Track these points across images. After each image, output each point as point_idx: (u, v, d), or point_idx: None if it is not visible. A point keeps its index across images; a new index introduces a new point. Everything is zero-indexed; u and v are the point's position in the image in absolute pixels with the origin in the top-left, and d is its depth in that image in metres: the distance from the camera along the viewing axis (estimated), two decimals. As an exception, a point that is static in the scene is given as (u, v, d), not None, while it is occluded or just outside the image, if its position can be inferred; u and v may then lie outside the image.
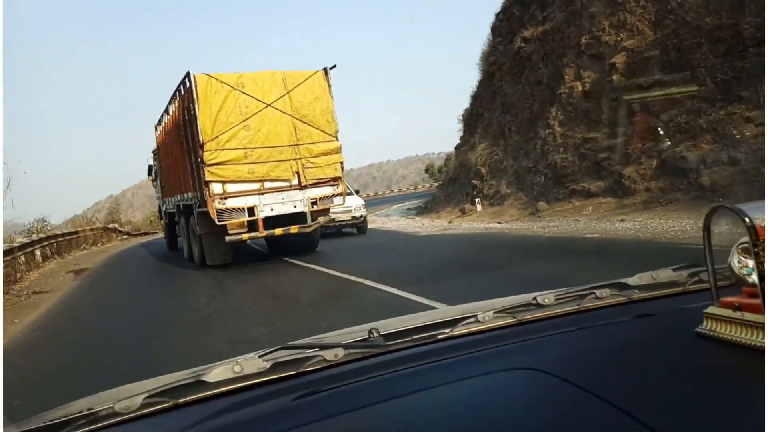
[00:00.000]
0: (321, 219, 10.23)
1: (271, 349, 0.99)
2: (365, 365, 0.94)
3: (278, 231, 9.74)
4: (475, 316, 1.07)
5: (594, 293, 1.10)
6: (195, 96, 9.07)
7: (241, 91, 9.37)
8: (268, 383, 0.92)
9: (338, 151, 10.10)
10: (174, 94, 10.66)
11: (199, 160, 9.19)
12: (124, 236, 25.88)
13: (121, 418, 0.88)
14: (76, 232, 20.70)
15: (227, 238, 9.45)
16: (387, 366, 0.91)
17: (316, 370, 0.95)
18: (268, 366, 0.94)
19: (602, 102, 13.29)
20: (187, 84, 9.31)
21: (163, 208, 15.36)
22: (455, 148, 22.44)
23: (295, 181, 9.70)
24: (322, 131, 9.92)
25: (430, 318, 1.13)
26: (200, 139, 9.08)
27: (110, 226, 25.76)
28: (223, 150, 9.20)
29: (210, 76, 9.24)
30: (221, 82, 9.28)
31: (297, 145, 9.70)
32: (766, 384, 0.60)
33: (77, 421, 0.89)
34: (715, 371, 0.73)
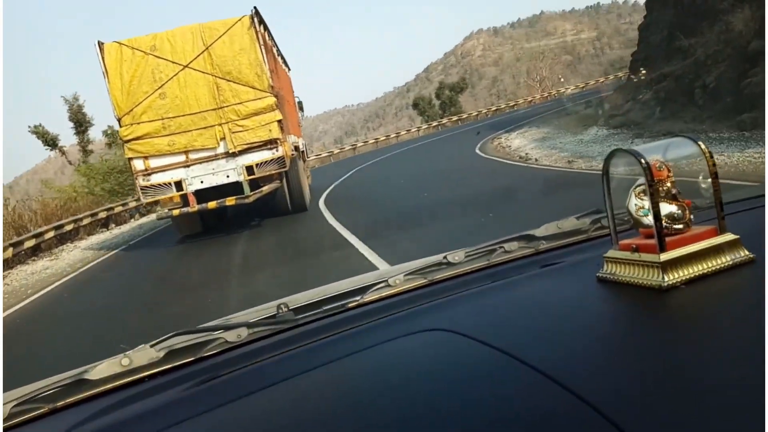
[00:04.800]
0: (265, 188, 9.14)
1: (164, 337, 0.89)
2: (271, 342, 0.89)
3: (211, 204, 8.94)
4: (385, 280, 1.05)
5: (503, 247, 1.11)
6: (104, 68, 8.50)
7: (155, 55, 8.55)
8: (162, 374, 0.85)
9: (273, 108, 8.79)
10: None
11: (118, 137, 8.74)
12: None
13: None
14: None
15: (156, 215, 8.99)
16: (294, 341, 0.86)
17: (216, 354, 0.88)
18: (162, 355, 0.86)
19: None
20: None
21: None
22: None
23: (222, 149, 8.73)
24: (252, 87, 8.70)
25: (341, 288, 1.10)
26: (114, 113, 8.57)
27: None
28: (139, 124, 8.60)
29: (120, 44, 8.57)
30: (132, 48, 8.56)
31: (221, 107, 8.66)
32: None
33: None
34: (616, 314, 0.75)
